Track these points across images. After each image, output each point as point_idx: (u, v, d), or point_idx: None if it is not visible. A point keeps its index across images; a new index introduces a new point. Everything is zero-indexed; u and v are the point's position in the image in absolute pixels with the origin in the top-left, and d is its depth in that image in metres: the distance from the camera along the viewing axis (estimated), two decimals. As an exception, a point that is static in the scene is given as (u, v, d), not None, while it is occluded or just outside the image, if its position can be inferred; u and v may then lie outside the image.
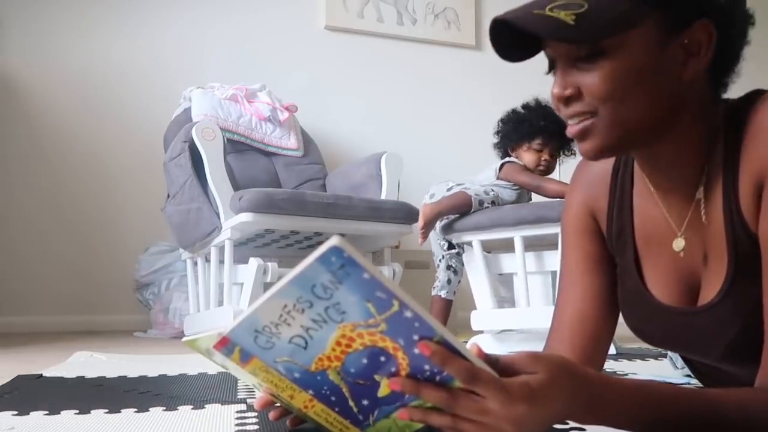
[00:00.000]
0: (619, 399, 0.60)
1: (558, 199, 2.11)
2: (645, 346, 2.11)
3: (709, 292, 0.72)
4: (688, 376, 1.28)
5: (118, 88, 3.22)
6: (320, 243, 2.48)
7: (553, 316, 0.88)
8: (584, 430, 0.79)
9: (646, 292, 0.79)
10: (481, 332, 2.17)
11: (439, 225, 2.24)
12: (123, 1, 3.28)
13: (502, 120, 2.41)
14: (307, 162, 3.02)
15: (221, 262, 2.38)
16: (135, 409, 0.97)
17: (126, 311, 3.07)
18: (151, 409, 0.98)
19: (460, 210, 2.16)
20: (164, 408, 0.99)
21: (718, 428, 0.61)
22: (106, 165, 3.17)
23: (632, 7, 0.64)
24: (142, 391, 1.16)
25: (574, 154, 2.34)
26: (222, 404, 1.02)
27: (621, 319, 0.86)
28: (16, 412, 0.95)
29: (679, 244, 0.76)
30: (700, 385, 0.95)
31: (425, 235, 2.18)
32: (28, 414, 0.94)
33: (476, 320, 2.11)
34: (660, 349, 1.63)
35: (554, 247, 2.04)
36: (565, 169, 2.11)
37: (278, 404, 0.76)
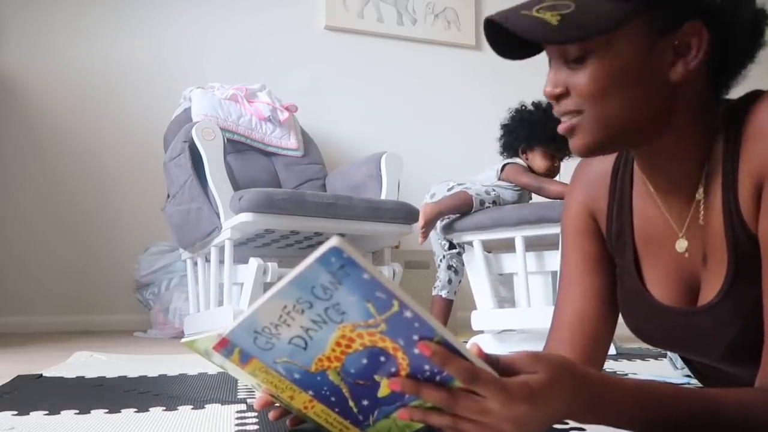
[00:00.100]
0: (619, 399, 0.60)
1: (559, 200, 2.11)
2: (645, 346, 2.11)
3: (709, 293, 0.72)
4: (688, 376, 1.28)
5: (117, 88, 3.22)
6: (320, 243, 2.49)
7: (553, 316, 0.88)
8: (584, 430, 0.79)
9: (645, 293, 0.79)
10: (482, 332, 2.17)
11: (439, 225, 2.24)
12: (122, 0, 3.28)
13: (513, 117, 2.35)
14: (307, 162, 3.02)
15: (221, 262, 2.38)
16: (135, 409, 0.97)
17: (126, 311, 3.07)
18: (151, 409, 0.98)
19: (461, 210, 2.16)
20: (164, 408, 0.99)
21: (718, 428, 0.61)
22: (106, 165, 3.17)
23: (618, 8, 0.63)
24: (142, 391, 1.16)
25: None
26: (222, 404, 1.02)
27: (621, 319, 0.86)
28: (16, 412, 0.95)
29: (681, 245, 0.76)
30: (700, 385, 0.95)
31: (425, 235, 2.17)
32: (28, 414, 0.94)
33: (476, 320, 2.11)
34: (660, 349, 1.63)
35: (555, 247, 2.04)
36: (566, 170, 2.11)
37: (278, 404, 0.76)
